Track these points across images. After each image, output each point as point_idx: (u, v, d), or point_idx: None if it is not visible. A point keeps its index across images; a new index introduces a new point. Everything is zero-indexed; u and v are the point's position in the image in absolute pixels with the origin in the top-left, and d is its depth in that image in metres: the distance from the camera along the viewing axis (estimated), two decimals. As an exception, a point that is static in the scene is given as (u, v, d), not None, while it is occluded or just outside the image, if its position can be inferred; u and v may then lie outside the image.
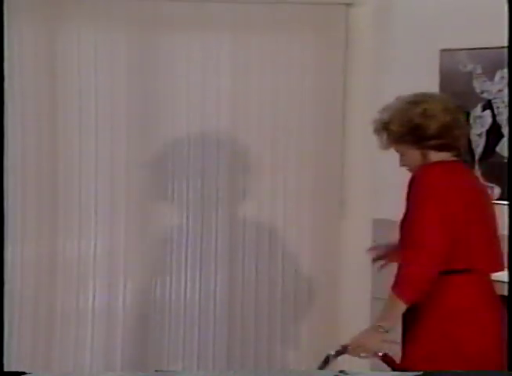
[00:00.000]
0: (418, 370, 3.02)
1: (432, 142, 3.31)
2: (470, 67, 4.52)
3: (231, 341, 4.77)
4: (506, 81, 4.22)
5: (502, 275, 3.56)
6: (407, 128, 3.32)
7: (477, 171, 4.45)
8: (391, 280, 3.49)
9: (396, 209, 3.70)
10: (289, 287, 4.80)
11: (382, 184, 4.92)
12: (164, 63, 4.66)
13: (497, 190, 4.38)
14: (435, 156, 3.34)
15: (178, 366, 4.69)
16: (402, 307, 3.17)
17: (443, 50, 4.60)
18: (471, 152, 4.47)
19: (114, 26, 4.62)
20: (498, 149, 4.41)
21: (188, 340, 4.72)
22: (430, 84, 4.53)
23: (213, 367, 4.75)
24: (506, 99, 4.30)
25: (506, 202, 4.09)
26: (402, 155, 3.40)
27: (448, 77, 4.60)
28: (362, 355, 3.34)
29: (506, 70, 4.21)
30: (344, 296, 5.05)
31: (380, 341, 3.20)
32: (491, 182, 4.38)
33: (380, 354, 3.27)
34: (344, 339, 4.74)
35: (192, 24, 4.68)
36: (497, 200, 4.28)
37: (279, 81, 4.62)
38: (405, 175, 3.54)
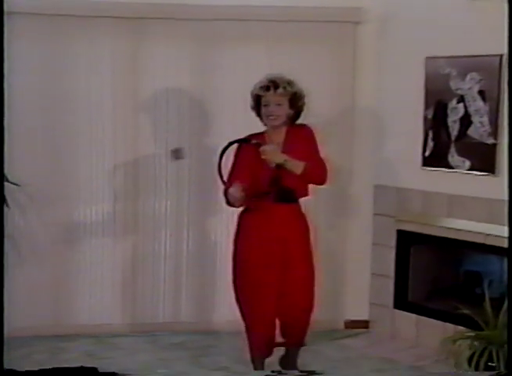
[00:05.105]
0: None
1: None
2: (447, 71, 4.93)
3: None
4: (474, 81, 4.77)
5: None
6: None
7: (453, 149, 4.93)
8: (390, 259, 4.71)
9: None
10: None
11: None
12: (216, 69, 5.34)
13: (468, 163, 4.88)
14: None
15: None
16: (298, 170, 4.26)
17: (428, 57, 5.04)
18: (448, 135, 4.95)
19: (180, 41, 5.33)
20: (468, 132, 4.85)
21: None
22: (418, 84, 5.09)
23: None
24: (474, 95, 4.77)
25: (475, 172, 4.79)
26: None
27: (431, 78, 5.04)
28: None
29: (474, 73, 4.78)
30: (347, 271, 5.52)
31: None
32: (463, 156, 4.89)
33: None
34: (349, 309, 5.56)
35: (237, 39, 5.33)
36: (468, 170, 4.88)
37: (301, 82, 4.62)
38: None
